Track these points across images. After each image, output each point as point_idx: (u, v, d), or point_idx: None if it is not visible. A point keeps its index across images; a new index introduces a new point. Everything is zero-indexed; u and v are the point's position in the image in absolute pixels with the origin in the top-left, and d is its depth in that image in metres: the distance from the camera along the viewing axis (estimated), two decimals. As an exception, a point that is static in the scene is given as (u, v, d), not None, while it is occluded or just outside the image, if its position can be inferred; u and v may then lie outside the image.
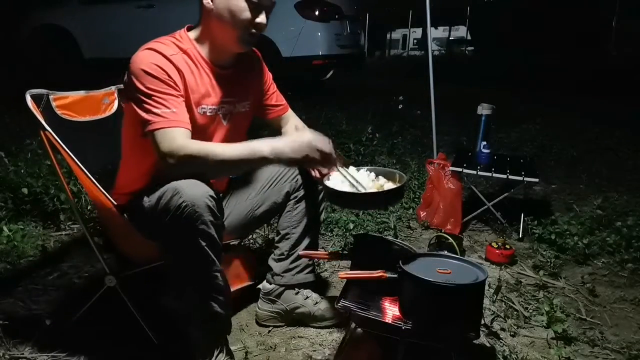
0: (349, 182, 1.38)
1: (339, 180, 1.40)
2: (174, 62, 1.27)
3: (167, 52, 1.27)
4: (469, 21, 16.20)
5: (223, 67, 1.40)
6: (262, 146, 1.24)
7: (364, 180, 1.41)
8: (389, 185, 1.41)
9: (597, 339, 1.65)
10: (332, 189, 1.35)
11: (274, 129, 1.69)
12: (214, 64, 1.38)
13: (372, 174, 1.46)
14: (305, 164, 1.29)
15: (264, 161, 1.25)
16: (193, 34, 1.37)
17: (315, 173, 1.47)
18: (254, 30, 1.32)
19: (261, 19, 1.32)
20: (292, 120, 1.66)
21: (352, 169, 1.45)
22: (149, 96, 1.22)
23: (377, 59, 17.84)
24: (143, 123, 1.23)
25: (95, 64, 6.12)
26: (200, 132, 1.35)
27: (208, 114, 1.38)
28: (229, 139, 1.44)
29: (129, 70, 1.26)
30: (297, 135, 1.29)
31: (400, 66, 13.60)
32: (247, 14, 1.29)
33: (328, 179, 1.42)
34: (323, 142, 1.27)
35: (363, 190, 1.36)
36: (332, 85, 7.31)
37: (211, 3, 1.30)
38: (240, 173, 1.65)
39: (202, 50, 1.36)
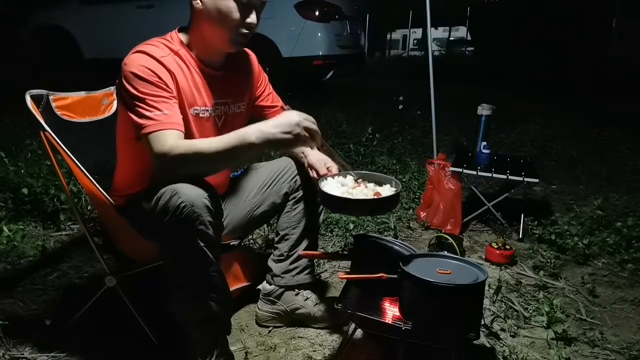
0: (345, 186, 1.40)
1: (334, 185, 1.41)
2: (165, 63, 1.27)
3: (157, 54, 1.26)
4: (469, 21, 16.19)
5: (215, 68, 1.40)
6: (250, 131, 1.20)
7: (358, 188, 1.42)
8: (387, 193, 1.41)
9: (597, 340, 1.65)
10: (326, 192, 1.36)
11: None
12: (205, 65, 1.37)
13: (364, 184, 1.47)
14: (294, 143, 1.23)
15: (253, 147, 1.20)
16: (184, 35, 1.36)
17: (312, 173, 1.47)
18: (244, 31, 1.31)
19: (251, 18, 1.30)
20: None
21: (349, 178, 1.46)
22: (141, 100, 1.22)
23: (377, 59, 17.85)
24: (136, 127, 1.22)
25: (95, 65, 6.12)
26: (193, 134, 1.35)
27: (201, 115, 1.38)
28: None
29: (120, 73, 1.25)
30: (282, 115, 1.25)
31: (400, 66, 13.61)
32: (236, 14, 1.28)
33: (325, 180, 1.42)
34: (308, 120, 1.24)
35: (359, 197, 1.36)
36: (332, 85, 7.32)
37: (200, 4, 1.29)
38: (236, 164, 1.64)
39: (194, 51, 1.36)
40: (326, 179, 1.44)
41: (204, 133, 1.40)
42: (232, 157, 1.28)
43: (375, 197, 1.36)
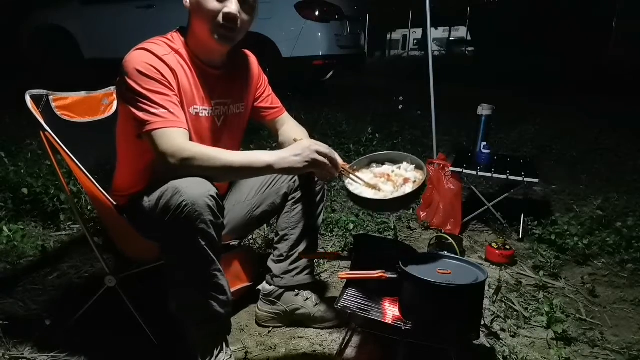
0: (368, 185, 1.40)
1: (360, 184, 1.40)
2: (167, 62, 1.27)
3: (159, 52, 1.27)
4: (469, 21, 16.19)
5: (215, 68, 1.40)
6: (266, 154, 1.26)
7: (385, 181, 1.42)
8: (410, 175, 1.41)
9: (597, 340, 1.65)
10: (359, 196, 1.35)
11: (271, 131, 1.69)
12: (205, 64, 1.38)
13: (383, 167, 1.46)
14: (310, 169, 1.29)
15: (268, 169, 1.26)
16: (184, 35, 1.37)
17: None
18: (223, 21, 1.28)
19: (229, 8, 1.28)
20: (288, 123, 1.65)
21: (368, 174, 1.45)
22: (145, 97, 1.22)
23: (377, 59, 17.86)
24: (139, 123, 1.22)
25: (96, 65, 6.12)
26: (193, 133, 1.35)
27: (200, 115, 1.38)
28: (223, 140, 1.44)
29: (121, 70, 1.25)
30: (297, 143, 1.32)
31: (400, 66, 13.62)
32: (212, 4, 1.27)
33: (350, 184, 1.41)
34: (324, 147, 1.30)
35: (388, 195, 1.36)
36: (332, 85, 7.31)
37: (188, 2, 1.31)
38: (240, 179, 1.65)
39: (193, 50, 1.36)
40: (354, 180, 1.42)
41: (202, 132, 1.39)
42: (242, 173, 1.33)
43: (405, 184, 1.37)
